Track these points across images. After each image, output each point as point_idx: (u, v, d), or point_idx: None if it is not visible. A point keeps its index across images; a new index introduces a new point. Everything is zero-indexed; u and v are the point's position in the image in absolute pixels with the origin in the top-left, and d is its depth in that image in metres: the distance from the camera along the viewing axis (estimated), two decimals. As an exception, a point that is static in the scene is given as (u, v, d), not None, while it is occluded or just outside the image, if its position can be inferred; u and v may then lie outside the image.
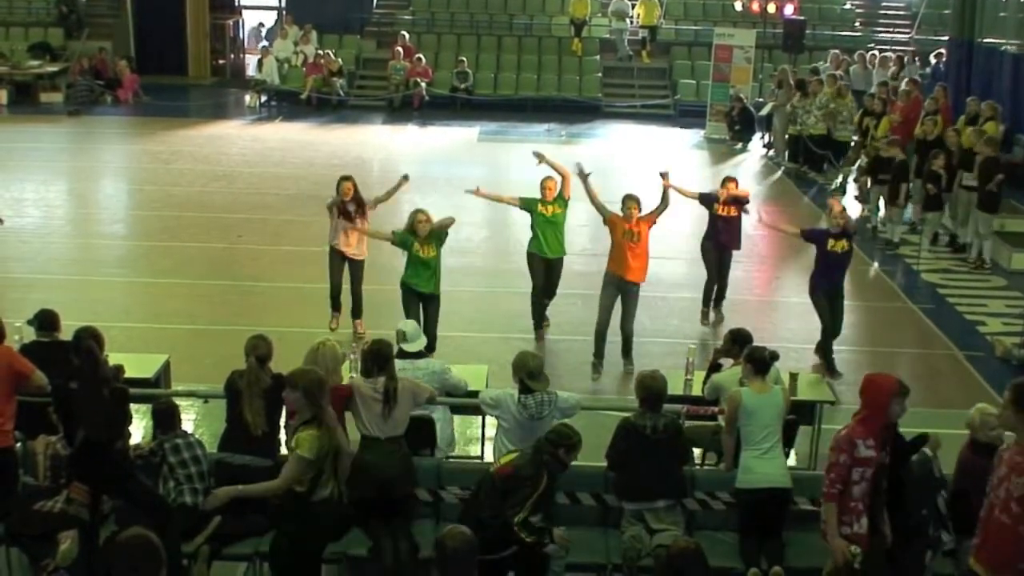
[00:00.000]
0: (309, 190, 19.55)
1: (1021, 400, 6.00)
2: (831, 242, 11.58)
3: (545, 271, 12.76)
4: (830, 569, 6.83)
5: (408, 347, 8.96)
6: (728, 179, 13.42)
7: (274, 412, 7.75)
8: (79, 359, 7.29)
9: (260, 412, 7.69)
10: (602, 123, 27.54)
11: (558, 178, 12.65)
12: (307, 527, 6.98)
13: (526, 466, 7.04)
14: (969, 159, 16.35)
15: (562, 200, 12.70)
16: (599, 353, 11.88)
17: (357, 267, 12.62)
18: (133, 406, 7.90)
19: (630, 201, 11.66)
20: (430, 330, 11.31)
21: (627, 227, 11.59)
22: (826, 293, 11.80)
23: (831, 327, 11.89)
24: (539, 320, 12.94)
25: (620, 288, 11.71)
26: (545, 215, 12.67)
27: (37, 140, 23.56)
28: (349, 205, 12.49)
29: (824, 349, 11.95)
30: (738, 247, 13.55)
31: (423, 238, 11.45)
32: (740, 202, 13.23)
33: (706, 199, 13.47)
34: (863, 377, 6.99)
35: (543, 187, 12.71)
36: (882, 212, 18.01)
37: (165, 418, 7.83)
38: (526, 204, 12.81)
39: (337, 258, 12.60)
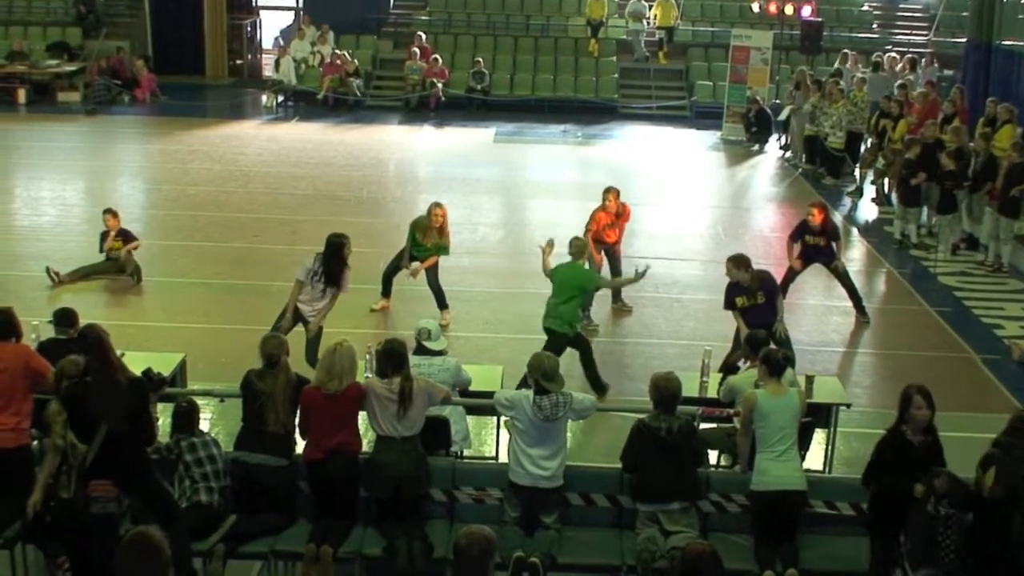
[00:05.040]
0: (325, 190, 19.64)
1: None
2: (808, 237, 13.40)
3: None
4: None
5: (432, 345, 9.00)
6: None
7: (293, 411, 7.77)
8: (87, 351, 7.29)
9: (289, 411, 7.72)
10: (618, 124, 27.50)
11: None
12: None
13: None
14: (992, 163, 16.32)
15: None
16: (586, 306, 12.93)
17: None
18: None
19: (609, 192, 13.27)
20: (433, 282, 12.88)
21: (606, 222, 13.19)
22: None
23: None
24: None
25: (605, 251, 13.34)
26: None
27: (54, 139, 23.63)
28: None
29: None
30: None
31: (430, 229, 12.69)
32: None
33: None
34: None
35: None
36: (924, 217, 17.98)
37: (185, 418, 7.86)
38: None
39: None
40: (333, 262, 10.66)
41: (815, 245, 13.37)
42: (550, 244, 11.41)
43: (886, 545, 7.21)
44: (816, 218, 13.26)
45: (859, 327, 13.62)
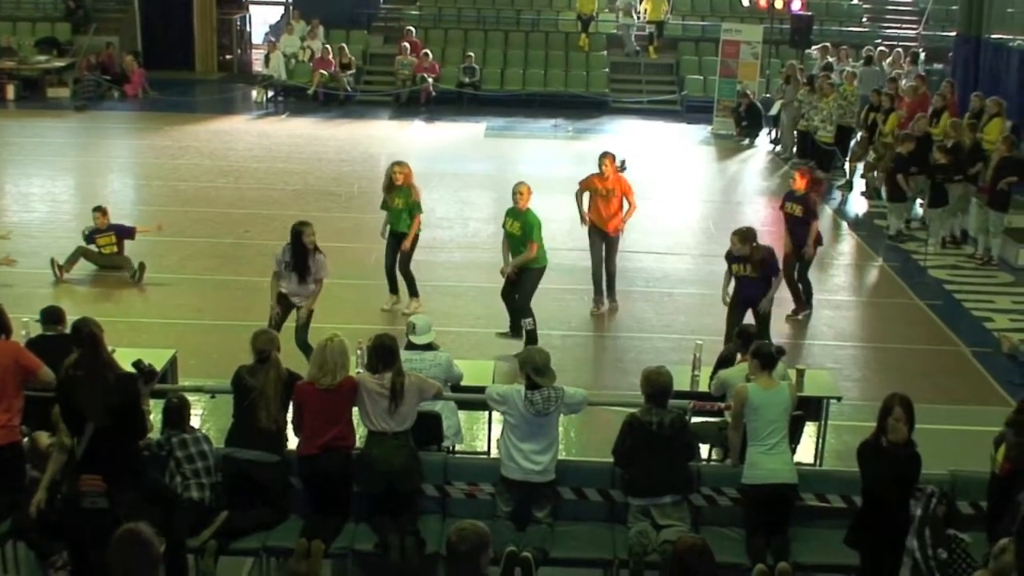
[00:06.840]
0: (316, 185, 19.62)
1: None
2: (788, 204, 13.27)
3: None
4: None
5: (417, 339, 9.00)
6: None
7: (284, 407, 7.76)
8: (80, 344, 7.27)
9: (280, 407, 7.71)
10: (609, 119, 27.49)
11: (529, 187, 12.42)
12: None
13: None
14: (976, 154, 16.37)
15: (525, 218, 12.08)
16: (598, 291, 13.43)
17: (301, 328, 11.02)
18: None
19: (605, 157, 13.22)
20: (404, 266, 12.93)
21: (598, 186, 13.20)
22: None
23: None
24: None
25: (602, 237, 13.27)
26: (505, 227, 12.32)
27: (44, 135, 23.55)
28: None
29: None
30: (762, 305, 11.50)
31: (393, 188, 12.74)
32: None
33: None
34: None
35: (516, 193, 12.27)
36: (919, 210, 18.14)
37: (176, 414, 7.84)
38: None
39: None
40: (296, 249, 10.87)
41: (791, 214, 13.13)
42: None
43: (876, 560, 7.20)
44: (798, 183, 13.13)
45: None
